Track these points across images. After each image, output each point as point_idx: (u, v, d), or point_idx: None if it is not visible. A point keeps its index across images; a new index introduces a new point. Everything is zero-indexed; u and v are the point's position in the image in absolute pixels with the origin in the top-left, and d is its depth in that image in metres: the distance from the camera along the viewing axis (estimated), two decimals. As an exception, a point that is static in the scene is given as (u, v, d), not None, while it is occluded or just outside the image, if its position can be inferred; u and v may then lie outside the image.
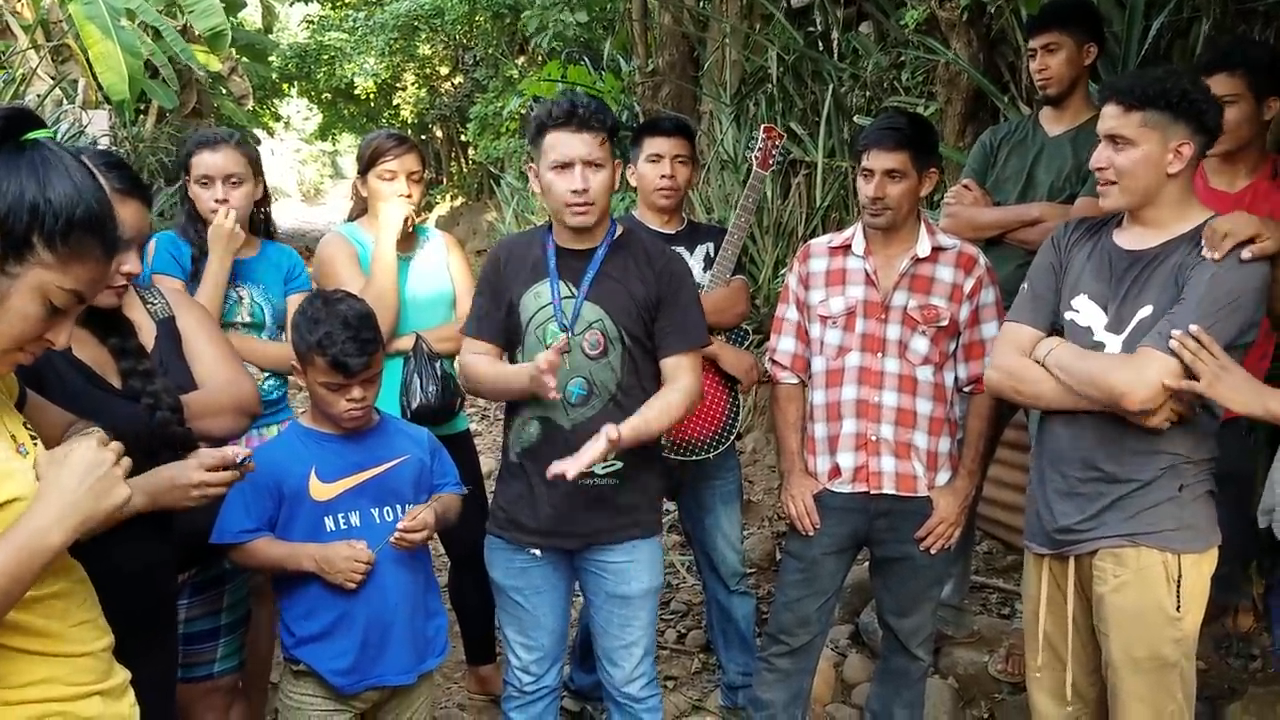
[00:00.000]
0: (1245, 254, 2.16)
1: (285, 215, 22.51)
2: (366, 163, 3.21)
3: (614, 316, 2.49)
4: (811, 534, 2.78)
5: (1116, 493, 2.28)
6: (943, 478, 2.74)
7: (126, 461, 1.44)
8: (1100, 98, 2.35)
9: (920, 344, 2.70)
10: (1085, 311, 2.34)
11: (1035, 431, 2.53)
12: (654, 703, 2.67)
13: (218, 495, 1.98)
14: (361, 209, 3.32)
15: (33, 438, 1.50)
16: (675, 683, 3.77)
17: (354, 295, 2.52)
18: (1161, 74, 2.27)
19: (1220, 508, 2.94)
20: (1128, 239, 2.33)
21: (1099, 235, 2.40)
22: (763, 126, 3.43)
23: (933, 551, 2.73)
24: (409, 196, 3.15)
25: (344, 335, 2.31)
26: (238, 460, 1.95)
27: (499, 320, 2.57)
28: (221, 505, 2.24)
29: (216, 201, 2.93)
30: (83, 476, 1.37)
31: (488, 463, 4.70)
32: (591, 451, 2.29)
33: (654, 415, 2.46)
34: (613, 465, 2.49)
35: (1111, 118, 2.25)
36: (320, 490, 2.37)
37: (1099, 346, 2.30)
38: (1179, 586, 2.25)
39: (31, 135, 1.37)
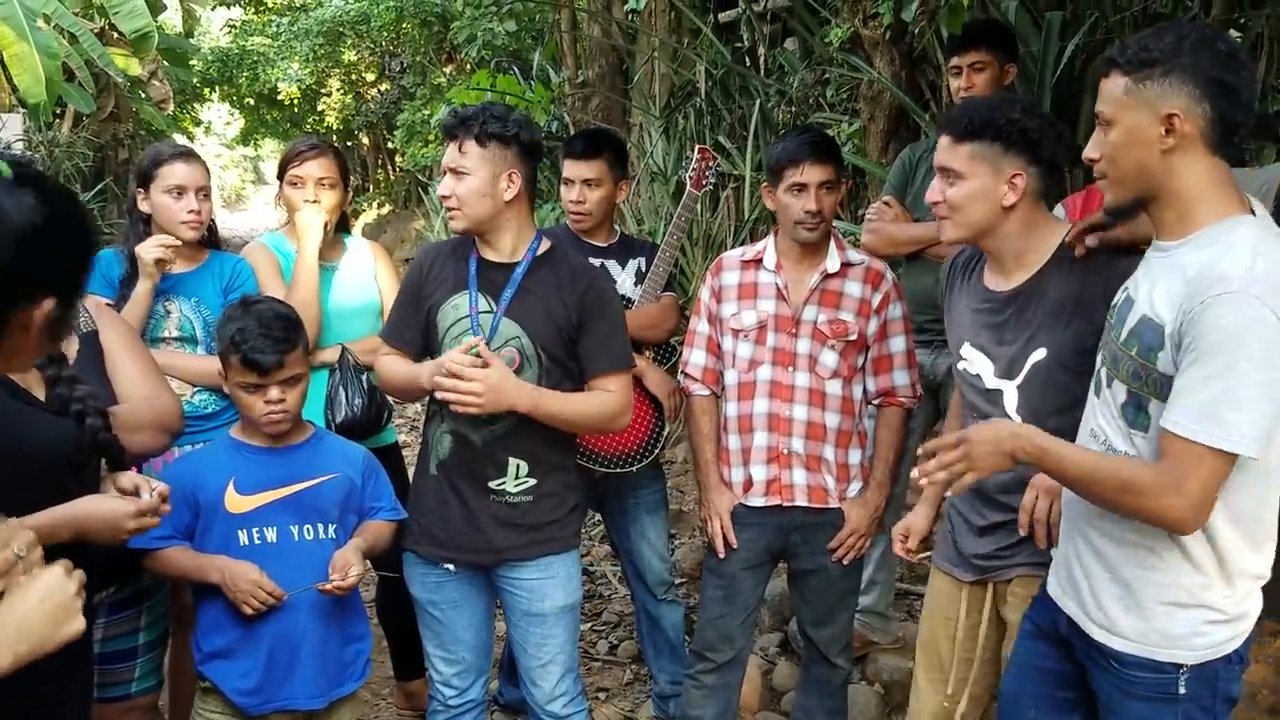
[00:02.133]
0: (1089, 241, 2.10)
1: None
2: (279, 169, 3.20)
3: (531, 334, 2.45)
4: (723, 555, 2.80)
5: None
6: (854, 489, 2.79)
7: (80, 594, 1.40)
8: (936, 129, 2.27)
9: (829, 358, 2.73)
10: (973, 360, 2.26)
11: None
12: (579, 719, 2.65)
13: (147, 531, 1.96)
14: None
15: None
16: (607, 694, 3.77)
17: (277, 299, 2.51)
18: (994, 103, 2.18)
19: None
20: (994, 280, 2.25)
21: (970, 277, 2.34)
22: (698, 148, 3.44)
23: (845, 562, 2.78)
24: (316, 202, 3.10)
25: (257, 332, 2.30)
26: (152, 496, 1.93)
27: (416, 328, 2.54)
28: None
29: (190, 213, 2.88)
30: (42, 602, 1.33)
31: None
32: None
33: (570, 402, 2.45)
34: (524, 482, 2.47)
35: (942, 150, 2.18)
36: (236, 503, 2.34)
37: (995, 394, 2.21)
38: None
39: None
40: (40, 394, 1.97)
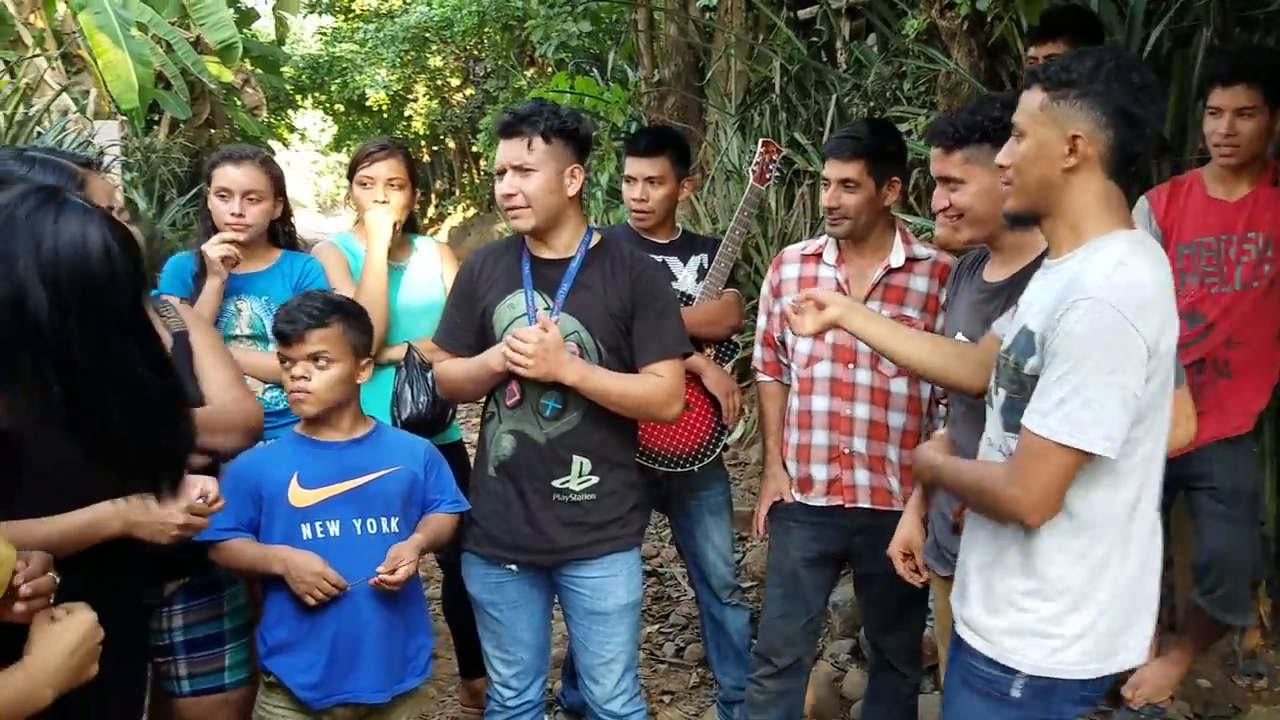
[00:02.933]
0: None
1: (301, 226, 22.71)
2: (349, 170, 3.25)
3: (590, 328, 2.45)
4: (757, 539, 2.77)
5: None
6: None
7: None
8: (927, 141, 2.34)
9: None
10: None
11: None
12: (638, 719, 2.63)
13: (192, 535, 2.02)
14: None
15: None
16: (672, 697, 3.73)
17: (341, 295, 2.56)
18: (973, 106, 2.29)
19: (1227, 525, 2.90)
20: (990, 271, 2.33)
21: (974, 274, 2.38)
22: (761, 141, 3.39)
23: None
24: (385, 202, 3.13)
25: (296, 304, 2.37)
26: (209, 501, 2.01)
27: (471, 330, 2.54)
28: None
29: (233, 215, 2.95)
30: (76, 649, 1.44)
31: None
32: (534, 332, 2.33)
33: (619, 381, 2.42)
34: (588, 480, 2.46)
35: (936, 161, 2.28)
36: (299, 496, 2.36)
37: None
38: None
39: None
40: None
